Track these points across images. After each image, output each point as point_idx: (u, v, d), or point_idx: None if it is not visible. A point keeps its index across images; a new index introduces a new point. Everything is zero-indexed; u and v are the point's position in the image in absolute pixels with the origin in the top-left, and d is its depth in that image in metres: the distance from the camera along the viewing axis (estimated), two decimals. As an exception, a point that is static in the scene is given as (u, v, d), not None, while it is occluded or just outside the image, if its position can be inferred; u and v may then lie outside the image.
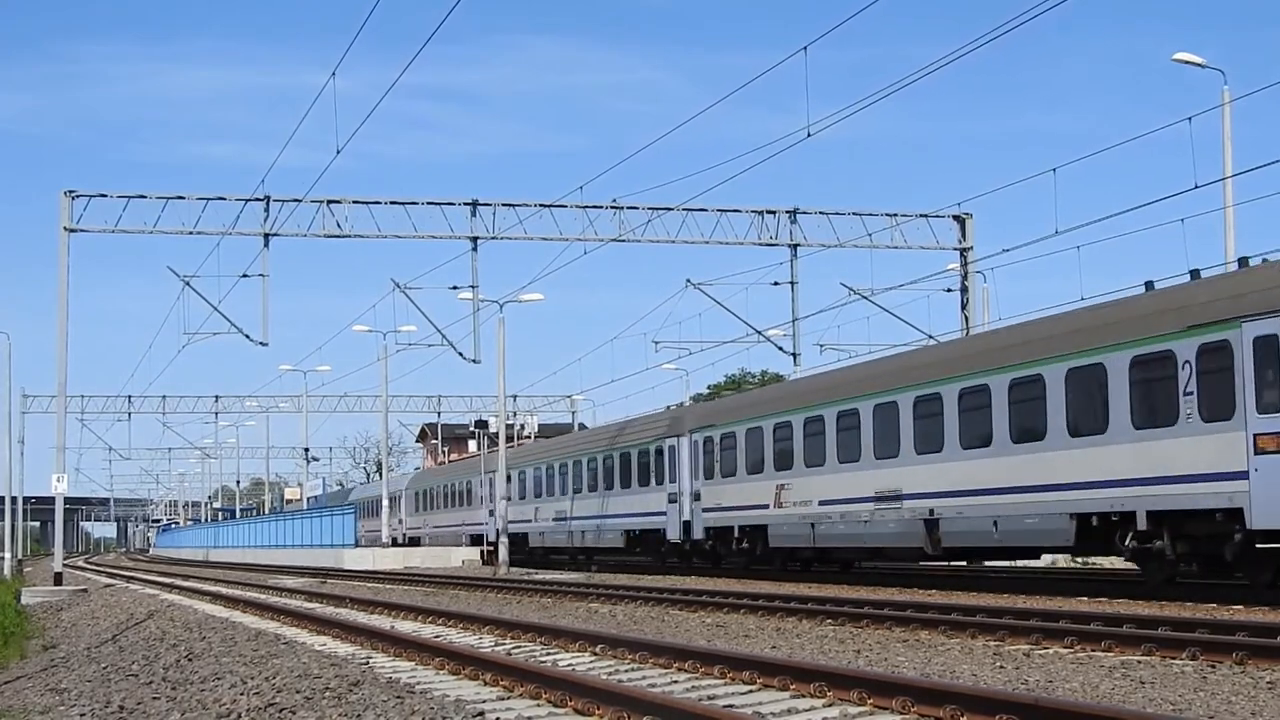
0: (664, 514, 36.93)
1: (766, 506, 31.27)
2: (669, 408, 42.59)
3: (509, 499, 45.35)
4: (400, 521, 66.61)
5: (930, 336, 38.58)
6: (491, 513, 48.04)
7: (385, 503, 61.10)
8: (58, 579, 41.11)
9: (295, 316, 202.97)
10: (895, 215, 41.96)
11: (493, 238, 40.46)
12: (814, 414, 29.46)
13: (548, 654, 14.63)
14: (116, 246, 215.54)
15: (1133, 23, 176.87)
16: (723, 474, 33.78)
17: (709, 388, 76.50)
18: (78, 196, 39.10)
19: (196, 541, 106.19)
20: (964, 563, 33.08)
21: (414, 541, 64.06)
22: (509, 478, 45.97)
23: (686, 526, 35.73)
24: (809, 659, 13.11)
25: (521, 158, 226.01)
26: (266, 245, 39.44)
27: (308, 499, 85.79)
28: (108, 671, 14.86)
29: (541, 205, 40.51)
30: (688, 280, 42.48)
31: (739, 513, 32.92)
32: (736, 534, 33.28)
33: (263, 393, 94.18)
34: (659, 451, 37.54)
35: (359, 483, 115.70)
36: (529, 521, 47.81)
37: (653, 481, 37.94)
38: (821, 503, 29.24)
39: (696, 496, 35.12)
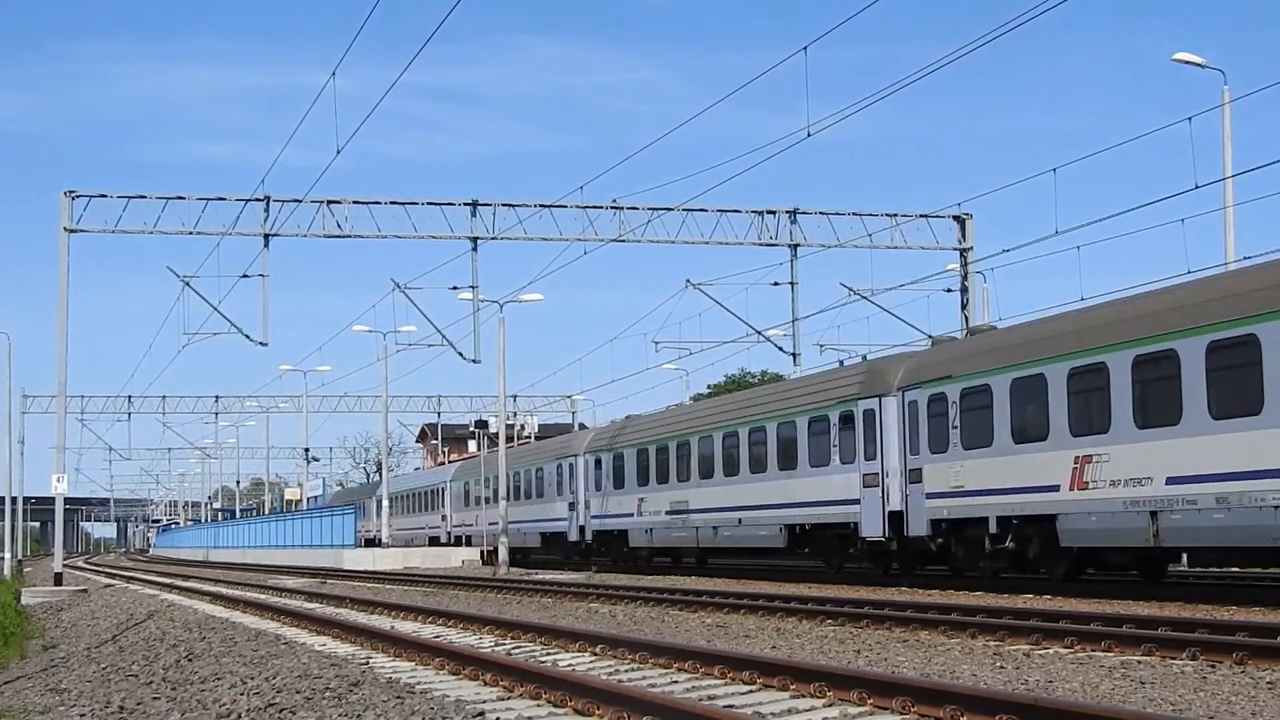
0: (856, 501, 28.70)
1: (1057, 488, 22.67)
2: (864, 358, 33.23)
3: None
4: (445, 519, 62.04)
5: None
6: (572, 506, 44.30)
7: (385, 503, 61.08)
8: (58, 579, 41.10)
9: (295, 316, 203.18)
10: (895, 215, 41.97)
11: (493, 238, 40.47)
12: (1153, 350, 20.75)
13: (548, 654, 14.62)
14: (116, 246, 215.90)
15: (1133, 23, 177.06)
16: (966, 445, 25.33)
17: (709, 387, 76.57)
18: (78, 196, 39.09)
19: (196, 542, 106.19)
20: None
21: (463, 541, 58.66)
22: (598, 462, 42.27)
23: (895, 519, 27.42)
24: (809, 659, 13.11)
25: (521, 158, 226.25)
26: (266, 245, 39.46)
27: (308, 498, 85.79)
28: (108, 671, 14.86)
29: (541, 205, 40.52)
30: (688, 280, 42.53)
31: (1001, 498, 24.21)
32: (993, 527, 24.55)
33: (263, 393, 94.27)
34: (847, 417, 29.27)
35: (359, 482, 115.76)
36: (629, 516, 40.17)
37: (836, 459, 29.64)
38: (1171, 480, 20.37)
39: (914, 476, 26.86)
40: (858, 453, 28.61)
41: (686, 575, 35.92)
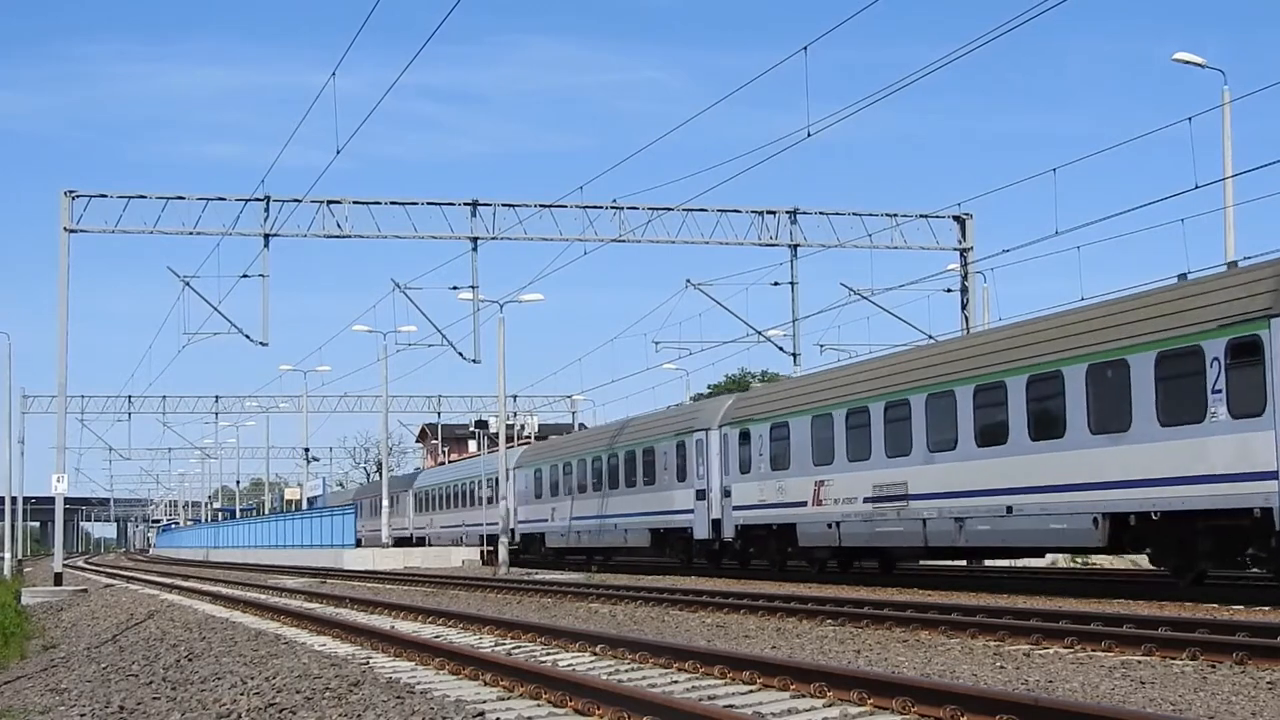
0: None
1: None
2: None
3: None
4: (509, 513, 50.46)
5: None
6: (701, 494, 35.03)
7: (385, 502, 61.05)
8: (58, 579, 41.11)
9: (295, 316, 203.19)
10: (895, 215, 41.97)
11: (493, 238, 40.47)
12: None
13: (548, 654, 14.62)
14: (116, 246, 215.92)
15: (1133, 23, 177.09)
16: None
17: (709, 387, 76.57)
18: (78, 196, 39.10)
19: (196, 542, 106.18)
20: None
21: (540, 541, 48.27)
22: (744, 436, 32.60)
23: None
24: (809, 659, 13.11)
25: (521, 158, 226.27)
26: (266, 245, 39.45)
27: (308, 498, 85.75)
28: (108, 671, 14.86)
29: (541, 205, 40.51)
30: (688, 280, 42.48)
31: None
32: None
33: (263, 393, 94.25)
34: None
35: (360, 482, 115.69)
36: (800, 505, 30.26)
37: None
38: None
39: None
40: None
41: (687, 575, 35.89)
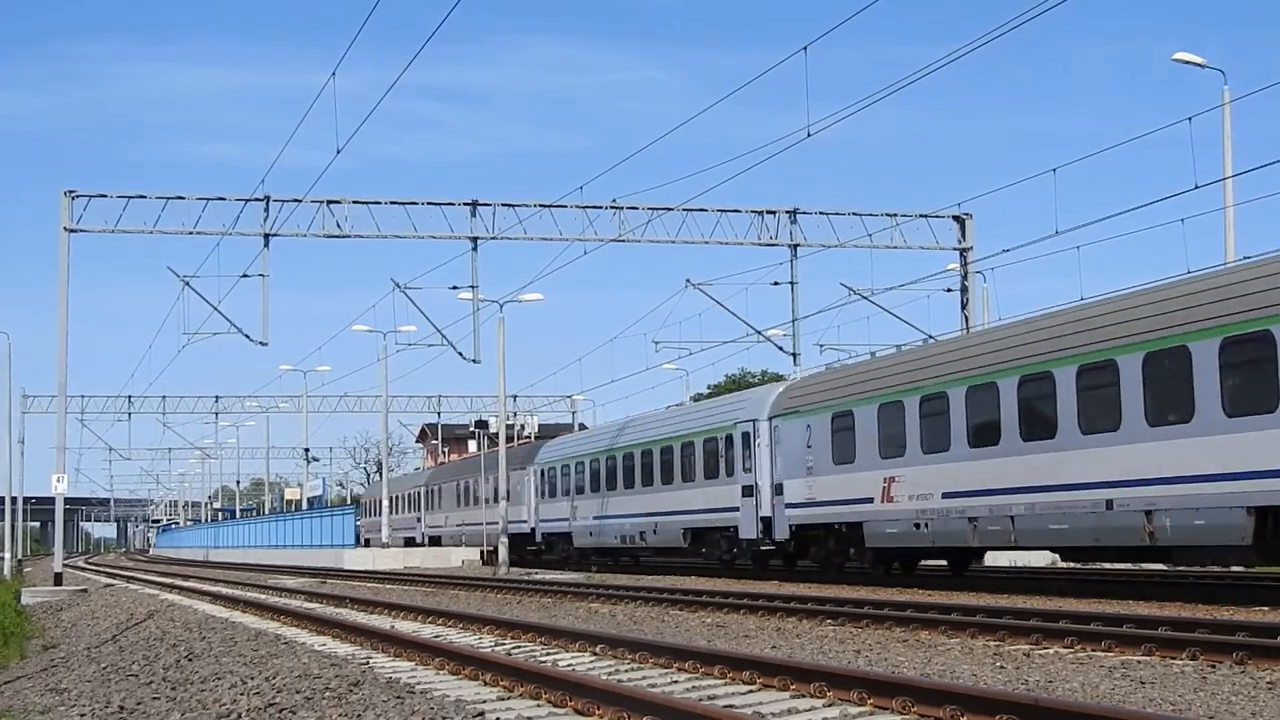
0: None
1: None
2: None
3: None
4: (532, 512, 48.36)
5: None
6: (749, 490, 32.41)
7: (385, 502, 61.04)
8: (58, 579, 41.11)
9: (295, 316, 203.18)
10: (895, 215, 41.97)
11: (493, 238, 40.47)
12: None
13: (548, 654, 14.62)
14: (116, 246, 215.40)
15: (1133, 23, 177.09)
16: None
17: (709, 387, 76.59)
18: (78, 196, 39.10)
19: (196, 542, 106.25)
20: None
21: (568, 540, 45.08)
22: (808, 427, 29.91)
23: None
24: (809, 659, 13.11)
25: (521, 158, 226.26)
26: (266, 245, 39.45)
27: (308, 498, 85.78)
28: (108, 671, 14.86)
29: (541, 205, 40.52)
30: (688, 280, 42.46)
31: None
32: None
33: (263, 393, 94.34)
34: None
35: (360, 482, 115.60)
36: (866, 502, 27.82)
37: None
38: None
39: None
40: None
41: (686, 575, 35.89)
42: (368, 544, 64.99)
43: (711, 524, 34.54)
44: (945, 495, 25.03)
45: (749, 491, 32.31)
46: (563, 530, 45.01)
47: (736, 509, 32.90)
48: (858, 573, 30.27)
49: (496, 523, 44.45)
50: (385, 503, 60.97)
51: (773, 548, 32.12)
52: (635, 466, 39.41)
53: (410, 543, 62.50)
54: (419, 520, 63.32)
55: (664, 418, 39.63)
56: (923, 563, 32.37)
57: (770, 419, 31.62)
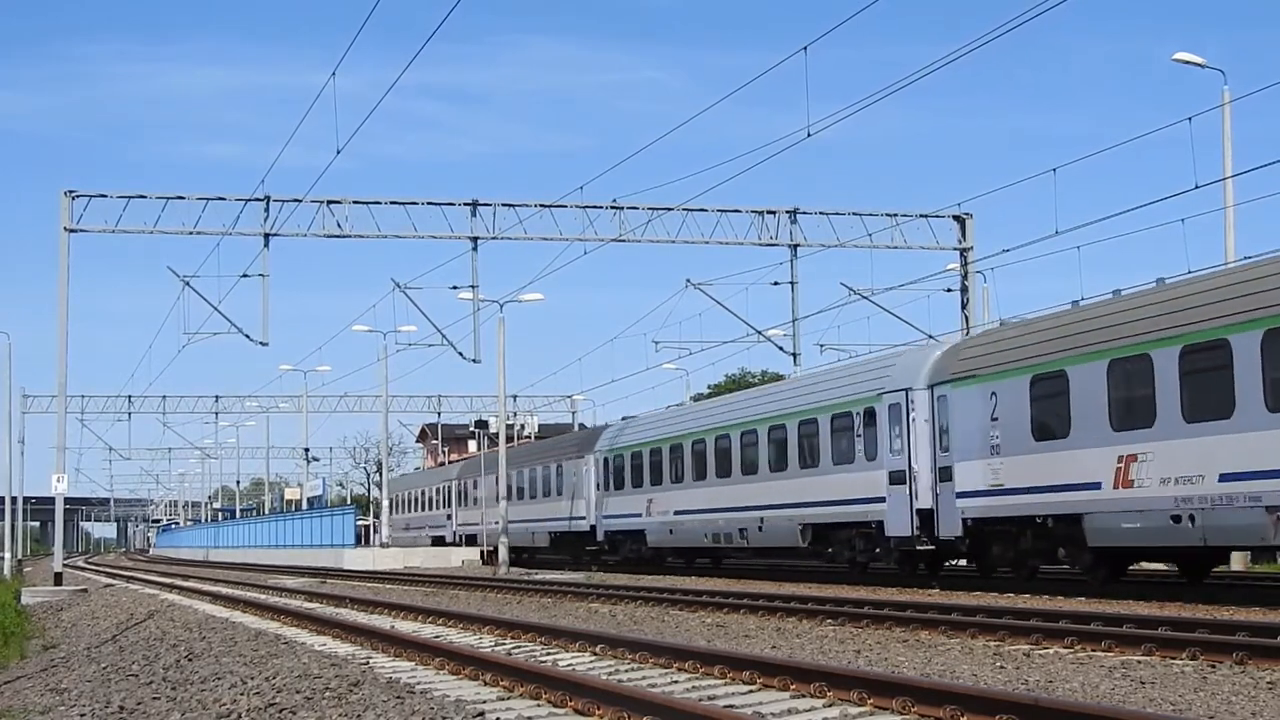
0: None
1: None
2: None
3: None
4: (592, 507, 42.92)
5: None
6: (899, 477, 26.88)
7: (385, 502, 61.05)
8: (58, 579, 41.11)
9: (295, 316, 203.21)
10: (895, 215, 41.97)
11: (493, 238, 40.47)
12: None
13: (548, 654, 14.62)
14: (116, 246, 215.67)
15: (1133, 23, 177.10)
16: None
17: (709, 387, 76.59)
18: (78, 196, 39.09)
19: (196, 541, 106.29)
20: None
21: (618, 545, 41.33)
22: (993, 395, 24.10)
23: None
24: (809, 659, 13.11)
25: (521, 158, 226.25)
26: (266, 245, 39.46)
27: (308, 498, 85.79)
28: (108, 671, 14.85)
29: (541, 205, 40.52)
30: (688, 280, 42.50)
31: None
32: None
33: (263, 393, 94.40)
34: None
35: (360, 482, 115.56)
36: (1092, 488, 21.96)
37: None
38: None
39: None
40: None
41: (686, 575, 35.85)
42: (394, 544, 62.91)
43: (843, 518, 28.93)
44: (1225, 478, 19.19)
45: (899, 478, 26.75)
46: (633, 528, 39.34)
47: (881, 500, 27.32)
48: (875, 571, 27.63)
49: (549, 519, 41.92)
50: (385, 502, 61.01)
51: (931, 548, 26.64)
52: (733, 450, 33.33)
53: (439, 542, 59.29)
54: (450, 518, 59.60)
55: (772, 392, 34.06)
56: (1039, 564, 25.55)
57: (931, 387, 26.03)
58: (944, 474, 25.43)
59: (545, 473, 47.12)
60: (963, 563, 28.35)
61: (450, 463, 73.70)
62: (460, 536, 57.53)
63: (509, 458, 45.79)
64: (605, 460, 41.56)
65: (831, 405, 29.27)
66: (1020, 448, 23.31)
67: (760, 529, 31.98)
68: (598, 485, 42.01)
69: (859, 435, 28.13)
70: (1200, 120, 27.84)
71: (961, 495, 24.79)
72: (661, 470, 37.47)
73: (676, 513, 36.31)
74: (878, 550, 28.35)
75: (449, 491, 60.16)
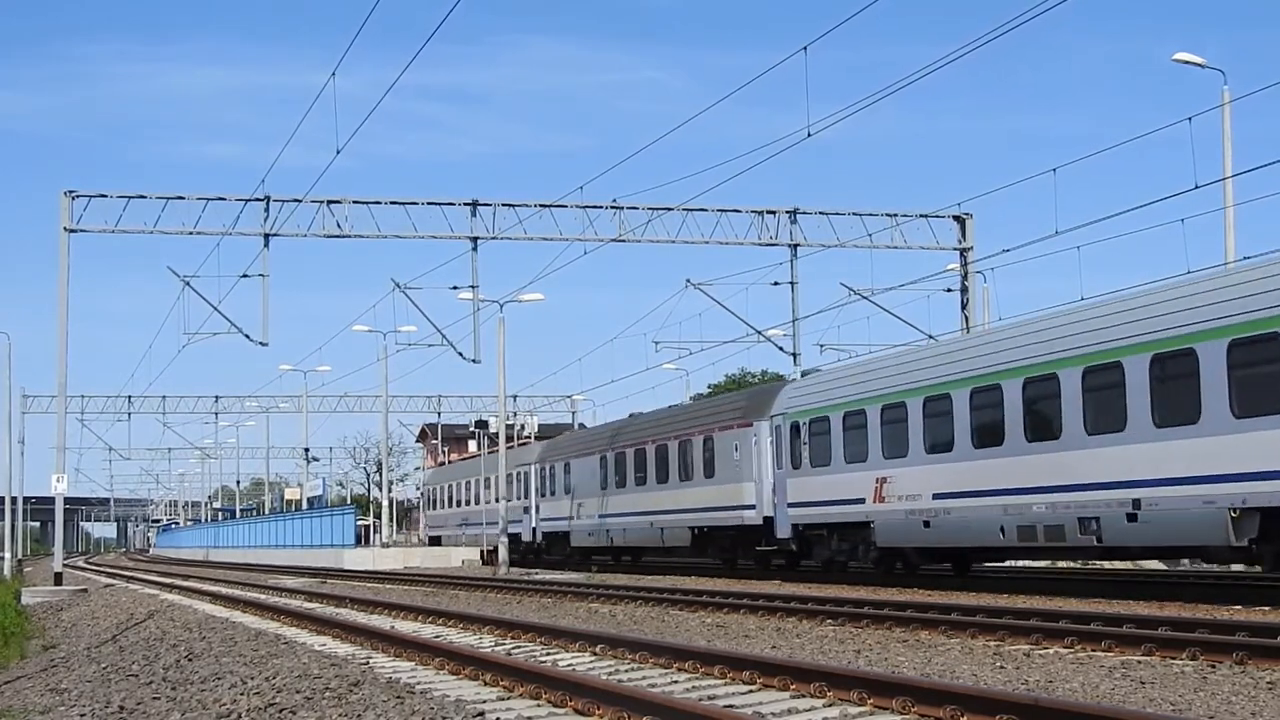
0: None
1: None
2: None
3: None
4: (764, 494, 32.96)
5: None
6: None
7: (385, 502, 61.05)
8: (58, 579, 41.11)
9: (295, 316, 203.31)
10: (895, 215, 41.96)
11: (493, 238, 40.46)
12: None
13: (548, 654, 14.62)
14: (116, 246, 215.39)
15: (1133, 23, 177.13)
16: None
17: (709, 387, 76.56)
18: (78, 196, 39.09)
19: (196, 541, 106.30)
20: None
21: (809, 544, 30.48)
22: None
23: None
24: (809, 659, 13.11)
25: (521, 158, 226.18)
26: (266, 245, 39.44)
27: (308, 498, 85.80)
28: (108, 671, 14.86)
29: (541, 205, 40.51)
30: (688, 280, 42.44)
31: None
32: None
33: (263, 393, 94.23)
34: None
35: (360, 482, 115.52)
36: None
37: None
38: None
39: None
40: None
41: (686, 575, 35.83)
42: (437, 541, 56.04)
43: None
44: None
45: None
46: (854, 519, 28.03)
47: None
48: (859, 573, 29.69)
49: (687, 510, 34.43)
50: (385, 502, 61.01)
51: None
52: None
53: (516, 541, 46.65)
54: (528, 510, 47.73)
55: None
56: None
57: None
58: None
59: (681, 449, 36.40)
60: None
61: (454, 461, 73.52)
62: (541, 534, 46.83)
63: (596, 434, 44.08)
64: (795, 426, 30.46)
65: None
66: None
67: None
68: (775, 461, 31.51)
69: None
70: (1200, 120, 27.87)
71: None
72: (906, 438, 26.33)
73: (935, 496, 25.35)
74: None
75: (525, 479, 48.36)
